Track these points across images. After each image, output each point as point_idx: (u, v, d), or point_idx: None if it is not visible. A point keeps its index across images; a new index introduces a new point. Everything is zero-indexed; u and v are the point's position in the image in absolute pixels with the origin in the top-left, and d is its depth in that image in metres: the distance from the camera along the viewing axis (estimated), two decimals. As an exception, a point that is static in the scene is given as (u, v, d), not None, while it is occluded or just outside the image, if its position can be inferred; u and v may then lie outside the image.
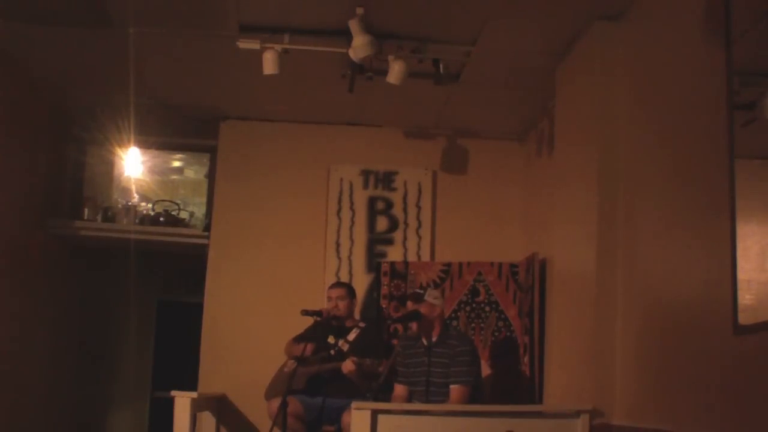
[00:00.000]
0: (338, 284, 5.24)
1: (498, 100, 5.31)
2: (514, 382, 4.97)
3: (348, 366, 4.51)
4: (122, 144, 6.01)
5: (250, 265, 5.76)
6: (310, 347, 4.64)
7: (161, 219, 6.13)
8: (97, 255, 6.71)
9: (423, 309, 4.35)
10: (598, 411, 3.76)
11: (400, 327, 5.13)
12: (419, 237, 5.83)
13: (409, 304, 4.43)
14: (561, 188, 4.54)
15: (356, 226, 5.83)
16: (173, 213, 6.22)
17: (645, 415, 3.47)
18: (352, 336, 4.92)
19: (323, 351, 4.87)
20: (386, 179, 5.91)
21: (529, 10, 4.07)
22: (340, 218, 5.83)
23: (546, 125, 5.24)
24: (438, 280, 5.36)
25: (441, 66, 4.65)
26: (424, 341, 4.41)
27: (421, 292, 4.46)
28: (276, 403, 4.45)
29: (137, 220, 6.10)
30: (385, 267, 5.54)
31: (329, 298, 5.01)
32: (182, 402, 4.70)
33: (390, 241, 5.83)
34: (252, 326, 5.63)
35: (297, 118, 5.90)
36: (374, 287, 5.58)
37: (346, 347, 4.85)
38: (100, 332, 7.14)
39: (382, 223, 5.87)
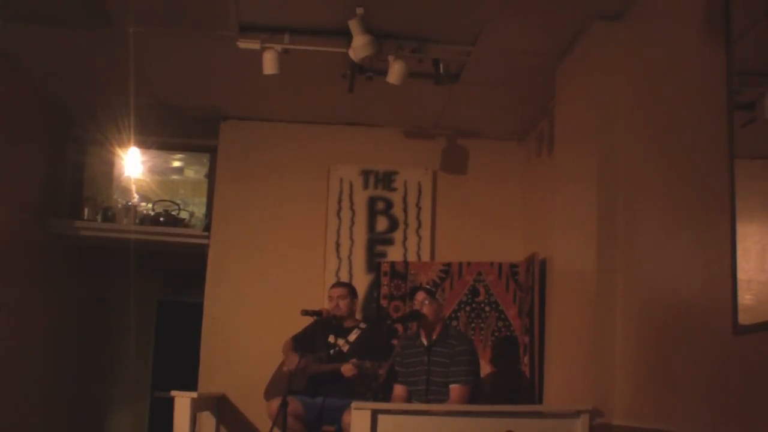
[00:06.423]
0: (339, 284, 5.23)
1: (498, 100, 5.31)
2: (514, 382, 4.97)
3: (348, 370, 4.51)
4: (122, 144, 6.01)
5: (250, 265, 5.76)
6: (303, 361, 4.63)
7: (161, 219, 6.13)
8: (97, 255, 6.71)
9: (432, 306, 4.37)
10: (598, 411, 3.76)
11: (400, 327, 5.13)
12: (419, 237, 5.83)
13: (420, 295, 4.42)
14: (561, 188, 4.54)
15: (356, 226, 5.83)
16: (173, 213, 6.22)
17: (645, 415, 3.47)
18: (352, 337, 4.92)
19: (323, 351, 4.87)
20: (386, 179, 5.91)
21: (529, 10, 4.07)
22: (340, 218, 5.83)
23: (546, 125, 5.24)
24: (438, 280, 5.35)
25: (441, 66, 4.65)
26: (424, 341, 4.41)
27: (434, 289, 4.47)
28: (276, 403, 4.45)
29: (137, 220, 6.11)
30: (385, 267, 5.54)
31: (330, 298, 5.00)
32: (182, 402, 4.70)
33: (390, 241, 5.83)
34: (252, 326, 5.62)
35: (297, 118, 5.89)
36: (374, 287, 5.58)
37: (346, 348, 4.85)
38: (100, 332, 7.14)
39: (382, 223, 5.86)
